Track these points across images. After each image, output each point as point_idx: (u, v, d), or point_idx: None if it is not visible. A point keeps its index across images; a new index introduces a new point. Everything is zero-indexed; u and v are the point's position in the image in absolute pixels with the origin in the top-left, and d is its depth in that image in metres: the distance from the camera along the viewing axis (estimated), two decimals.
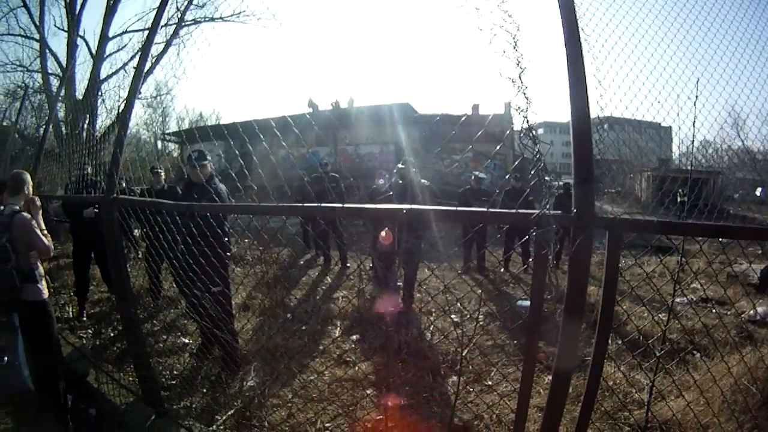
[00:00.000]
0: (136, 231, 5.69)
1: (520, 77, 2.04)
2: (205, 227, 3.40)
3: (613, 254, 1.98)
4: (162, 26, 3.60)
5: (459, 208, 2.07)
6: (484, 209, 1.96)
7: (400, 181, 6.35)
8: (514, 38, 2.11)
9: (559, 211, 1.92)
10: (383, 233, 5.53)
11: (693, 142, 3.91)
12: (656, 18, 3.12)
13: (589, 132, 1.92)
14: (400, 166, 6.53)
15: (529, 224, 1.89)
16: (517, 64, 2.07)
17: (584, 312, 2.05)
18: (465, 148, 19.53)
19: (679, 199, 4.46)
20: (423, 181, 6.44)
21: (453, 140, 19.01)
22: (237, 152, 3.81)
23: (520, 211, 1.95)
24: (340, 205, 2.13)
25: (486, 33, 2.10)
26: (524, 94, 2.02)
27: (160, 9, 3.57)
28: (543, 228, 1.89)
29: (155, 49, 16.33)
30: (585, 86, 1.95)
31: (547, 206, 1.90)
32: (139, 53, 3.58)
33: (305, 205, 2.41)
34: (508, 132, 18.64)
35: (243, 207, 2.91)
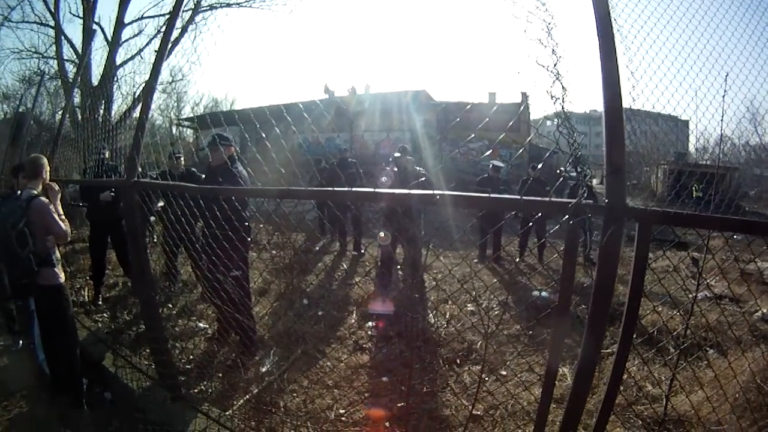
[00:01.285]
0: (151, 217, 5.71)
1: (555, 66, 2.02)
2: (228, 211, 3.40)
3: (642, 246, 1.95)
4: (191, 9, 3.58)
5: (492, 195, 2.04)
6: (518, 197, 1.93)
7: (395, 169, 6.38)
8: (548, 26, 2.10)
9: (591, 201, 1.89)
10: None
11: (721, 137, 3.87)
12: (687, 10, 3.08)
13: (621, 123, 1.92)
14: (396, 154, 6.50)
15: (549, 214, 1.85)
16: (553, 52, 2.05)
17: (611, 304, 2.03)
18: (480, 136, 19.45)
19: (695, 194, 4.41)
20: (419, 168, 6.45)
21: (468, 128, 18.93)
22: (248, 137, 3.79)
23: (554, 199, 1.93)
24: (372, 189, 2.12)
25: (521, 21, 2.09)
26: (560, 82, 1.99)
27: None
28: (577, 217, 1.85)
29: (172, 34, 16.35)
30: (617, 78, 1.94)
31: (584, 195, 1.86)
32: (161, 36, 3.56)
33: (332, 189, 2.38)
34: (517, 120, 18.46)
35: (268, 191, 2.88)
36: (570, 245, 1.97)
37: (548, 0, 2.20)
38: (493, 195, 2.05)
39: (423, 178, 5.80)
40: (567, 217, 1.89)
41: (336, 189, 2.25)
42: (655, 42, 2.92)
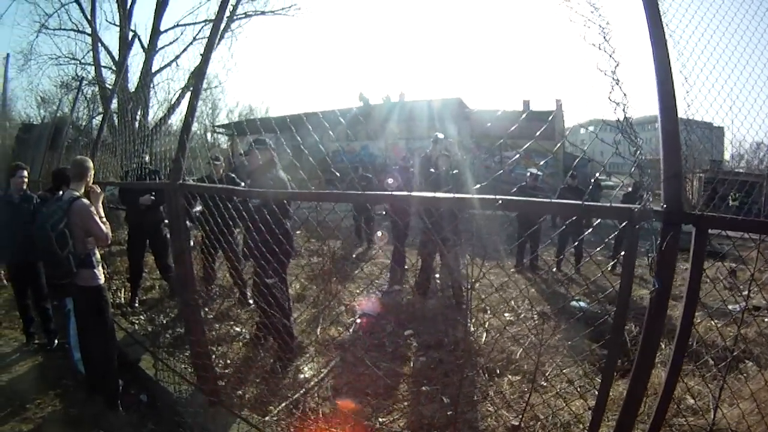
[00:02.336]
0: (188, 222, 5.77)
1: (615, 71, 1.99)
2: (270, 215, 3.39)
3: (699, 253, 1.93)
4: (226, 17, 3.61)
5: (555, 200, 2.00)
6: (580, 202, 1.88)
7: (431, 170, 6.30)
8: (604, 31, 2.08)
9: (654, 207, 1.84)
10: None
11: None
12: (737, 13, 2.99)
13: (676, 129, 1.92)
14: (440, 153, 6.37)
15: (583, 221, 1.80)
16: (611, 57, 2.02)
17: (666, 314, 1.97)
18: (516, 144, 19.33)
19: (731, 203, 4.29)
20: (454, 171, 6.35)
21: (502, 136, 18.79)
22: (284, 143, 3.79)
23: (615, 205, 1.88)
24: (431, 194, 2.09)
25: (578, 25, 2.08)
26: (620, 88, 1.95)
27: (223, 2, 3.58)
28: (639, 223, 1.80)
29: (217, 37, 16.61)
30: (672, 84, 1.96)
31: (649, 201, 1.81)
32: (207, 39, 3.58)
33: (387, 193, 2.34)
34: (551, 128, 18.36)
35: (321, 194, 2.86)
36: (630, 252, 1.91)
37: (602, 5, 2.19)
38: (555, 200, 2.01)
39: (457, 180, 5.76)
40: (626, 223, 1.85)
41: (391, 193, 2.22)
42: (706, 46, 2.84)
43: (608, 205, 1.93)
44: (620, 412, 2.11)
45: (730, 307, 5.93)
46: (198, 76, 3.55)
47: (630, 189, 8.32)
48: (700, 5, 2.74)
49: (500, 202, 1.91)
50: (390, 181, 6.47)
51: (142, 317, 5.94)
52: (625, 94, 1.95)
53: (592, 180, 12.12)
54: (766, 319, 5.72)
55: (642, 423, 2.16)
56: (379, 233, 5.57)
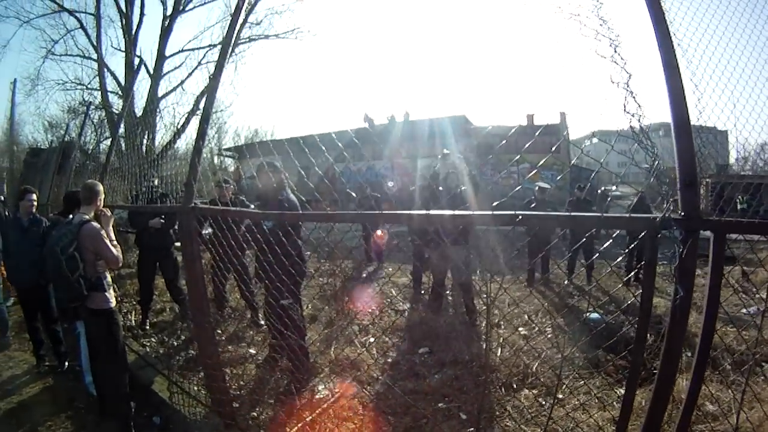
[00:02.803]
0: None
1: (627, 83, 2.00)
2: (285, 237, 3.38)
3: (718, 259, 1.92)
4: (232, 44, 3.63)
5: (573, 213, 2.01)
6: (598, 214, 1.88)
7: (440, 188, 6.29)
8: (614, 44, 2.10)
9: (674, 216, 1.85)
10: (379, 232, 5.48)
11: None
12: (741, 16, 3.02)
13: (690, 137, 1.93)
14: (436, 167, 6.36)
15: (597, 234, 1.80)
16: (623, 69, 2.04)
17: (688, 323, 1.95)
18: (521, 159, 19.37)
19: (739, 206, 4.27)
20: (462, 188, 6.33)
21: (508, 151, 18.82)
22: (297, 164, 3.80)
23: (634, 215, 1.88)
24: (449, 211, 2.08)
25: (588, 39, 2.11)
26: (634, 98, 1.97)
27: (232, 25, 3.62)
28: (660, 232, 1.81)
29: (212, 67, 16.84)
30: (683, 92, 1.96)
31: (670, 209, 1.81)
32: (215, 63, 3.61)
33: (403, 212, 2.34)
34: (563, 141, 18.44)
35: (335, 215, 2.85)
36: (651, 262, 1.91)
37: (611, 18, 2.22)
38: (573, 213, 2.02)
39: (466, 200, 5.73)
40: (645, 233, 1.86)
41: (407, 212, 2.22)
42: (713, 54, 2.86)
43: (627, 215, 1.92)
44: (645, 419, 2.10)
45: (744, 310, 5.91)
46: (208, 100, 3.58)
47: (636, 199, 8.29)
48: (706, 11, 2.77)
49: (519, 217, 1.91)
50: (390, 184, 6.48)
51: (153, 339, 5.94)
52: (639, 105, 1.96)
53: (598, 192, 12.09)
54: None
55: (663, 431, 2.13)
56: (379, 231, 5.54)
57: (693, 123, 2.20)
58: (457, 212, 2.10)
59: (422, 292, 7.53)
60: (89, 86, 19.11)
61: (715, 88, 2.81)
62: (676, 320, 1.91)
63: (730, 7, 2.91)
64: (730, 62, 2.94)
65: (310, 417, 3.78)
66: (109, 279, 3.99)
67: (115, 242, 3.96)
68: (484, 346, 4.76)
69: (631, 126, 2.02)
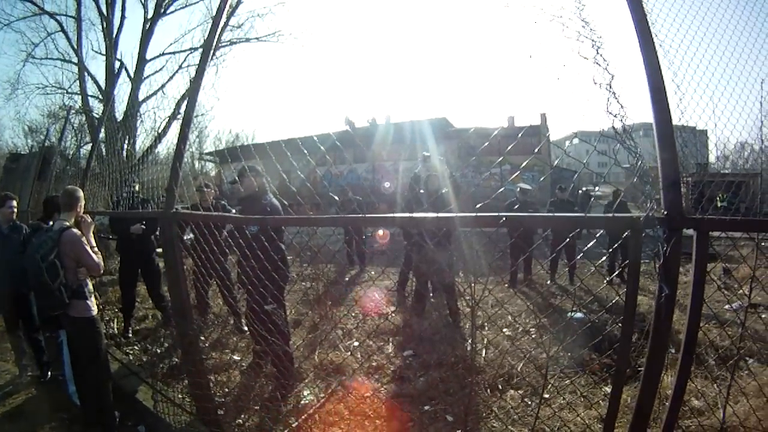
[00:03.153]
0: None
1: (610, 84, 2.02)
2: (269, 242, 3.35)
3: (702, 256, 1.96)
4: (213, 46, 3.60)
5: (556, 214, 2.01)
6: (582, 214, 1.89)
7: (421, 191, 6.28)
8: (596, 45, 2.12)
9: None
10: (380, 232, 5.47)
11: (761, 144, 3.81)
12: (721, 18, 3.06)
13: (672, 136, 1.96)
14: (416, 171, 6.39)
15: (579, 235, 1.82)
16: (605, 70, 2.05)
17: (671, 327, 1.99)
18: (501, 160, 19.49)
19: (719, 204, 4.33)
20: (444, 190, 6.33)
21: (488, 153, 18.95)
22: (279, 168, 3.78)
23: (617, 215, 1.89)
24: (434, 214, 2.08)
25: (570, 41, 2.13)
26: (617, 99, 1.98)
27: (214, 27, 3.59)
28: (644, 231, 1.84)
29: (193, 70, 16.72)
30: (665, 92, 2.00)
31: (653, 208, 1.83)
32: (197, 68, 3.56)
33: (387, 215, 2.32)
34: (545, 142, 18.61)
35: (318, 219, 2.83)
36: (635, 260, 1.92)
37: (593, 20, 2.24)
38: (557, 214, 2.03)
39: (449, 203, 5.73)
40: (629, 231, 1.88)
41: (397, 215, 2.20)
42: (695, 55, 2.90)
43: (611, 215, 1.94)
44: (633, 416, 2.11)
45: (726, 306, 6.00)
46: (189, 103, 3.54)
47: (611, 198, 8.39)
48: (687, 13, 2.81)
49: (504, 219, 1.91)
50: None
51: (136, 347, 5.86)
52: (622, 106, 1.98)
53: (579, 192, 12.18)
54: (763, 316, 5.82)
55: (650, 427, 2.14)
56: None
57: (677, 123, 2.22)
58: (441, 214, 2.09)
59: (405, 295, 7.52)
60: (69, 90, 18.97)
61: (696, 88, 2.85)
62: (661, 317, 1.93)
63: (711, 9, 2.96)
64: (711, 63, 2.98)
65: (296, 423, 3.76)
66: (90, 286, 3.93)
67: (95, 249, 3.90)
68: (470, 347, 4.77)
69: (613, 126, 2.03)
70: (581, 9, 2.28)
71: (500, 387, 4.38)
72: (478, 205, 2.03)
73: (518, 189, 8.96)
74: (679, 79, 2.68)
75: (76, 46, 18.27)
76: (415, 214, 2.18)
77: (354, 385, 4.42)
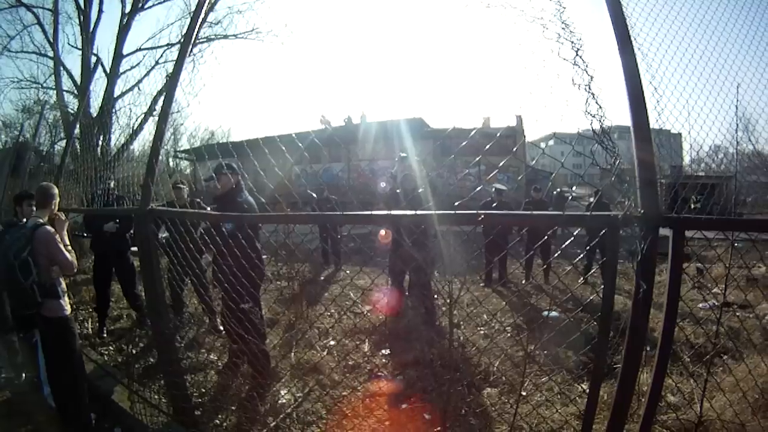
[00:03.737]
0: None
1: (589, 84, 2.05)
2: (246, 240, 3.32)
3: (678, 254, 1.99)
4: (192, 42, 3.56)
5: (535, 212, 2.04)
6: (560, 212, 1.90)
7: (397, 191, 6.35)
8: (576, 47, 2.15)
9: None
10: (382, 232, 5.47)
11: (736, 149, 3.89)
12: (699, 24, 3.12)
13: (649, 137, 2.00)
14: (392, 170, 6.44)
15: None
16: (585, 71, 2.08)
17: (648, 322, 2.02)
18: (478, 160, 19.57)
19: (692, 206, 4.41)
20: (420, 190, 6.35)
21: (464, 153, 19.08)
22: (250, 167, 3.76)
23: (595, 213, 1.92)
24: (413, 211, 2.08)
25: (552, 42, 2.16)
26: (596, 100, 2.01)
27: (194, 19, 3.55)
28: (622, 228, 1.90)
29: (169, 66, 16.51)
30: (642, 94, 2.04)
31: (631, 207, 1.86)
32: (175, 62, 3.52)
33: (365, 213, 2.31)
34: (522, 144, 18.85)
35: (296, 217, 2.82)
36: (612, 258, 1.98)
37: (573, 22, 2.27)
38: (536, 212, 2.05)
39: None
40: (606, 230, 1.93)
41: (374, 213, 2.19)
42: (672, 59, 2.95)
43: (589, 213, 1.97)
44: (611, 411, 2.14)
45: (701, 305, 6.13)
46: (166, 99, 3.49)
47: (592, 199, 8.47)
48: (665, 19, 2.86)
49: (482, 216, 1.92)
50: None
51: (111, 348, 5.76)
52: (600, 107, 2.00)
53: (554, 193, 12.31)
54: (737, 314, 5.96)
55: (627, 422, 2.18)
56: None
57: (654, 125, 2.26)
58: (419, 212, 2.09)
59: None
60: (44, 85, 18.55)
61: (674, 90, 2.90)
62: (639, 313, 1.96)
63: (690, 15, 3.02)
64: (688, 67, 3.04)
65: (274, 422, 3.74)
66: (63, 286, 3.86)
67: (69, 247, 3.83)
68: (448, 345, 4.79)
69: (592, 127, 2.06)
70: (562, 11, 2.31)
71: (477, 385, 4.40)
72: (456, 203, 2.03)
73: (494, 189, 9.03)
74: (656, 81, 2.74)
75: (52, 40, 17.86)
76: (392, 212, 2.18)
77: (331, 384, 4.41)
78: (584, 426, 2.20)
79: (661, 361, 2.09)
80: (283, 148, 2.94)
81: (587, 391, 2.29)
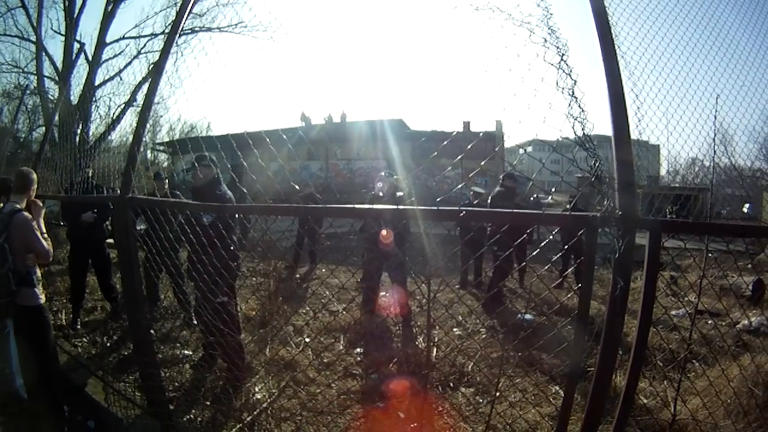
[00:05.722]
0: None
1: (572, 89, 2.08)
2: (226, 231, 3.31)
3: (654, 256, 2.02)
4: (178, 32, 3.53)
5: (514, 210, 2.06)
6: (540, 211, 1.94)
7: (381, 194, 6.34)
8: (561, 52, 2.18)
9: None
10: (384, 232, 5.47)
11: (713, 160, 3.97)
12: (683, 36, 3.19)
13: (629, 141, 2.03)
14: (379, 184, 6.44)
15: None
16: (569, 76, 2.11)
17: (624, 319, 2.04)
18: (455, 164, 19.69)
19: (668, 215, 4.49)
20: (399, 194, 6.40)
21: (443, 156, 19.18)
22: (228, 164, 3.75)
23: (574, 213, 1.95)
24: (395, 206, 2.09)
25: (538, 47, 2.20)
26: (578, 104, 2.05)
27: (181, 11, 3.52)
28: (600, 228, 1.94)
29: (152, 57, 16.34)
30: (623, 99, 2.08)
31: (610, 207, 1.89)
32: (160, 51, 3.48)
33: (348, 206, 2.32)
34: (501, 148, 19.00)
35: (279, 208, 2.81)
36: (590, 257, 2.01)
37: (559, 28, 2.31)
38: (516, 210, 2.08)
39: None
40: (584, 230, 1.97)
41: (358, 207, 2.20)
42: (654, 68, 3.02)
43: (569, 213, 2.00)
44: (586, 412, 2.17)
45: (673, 312, 6.24)
46: (150, 87, 3.45)
47: (569, 206, 8.54)
48: (650, 29, 2.93)
49: (463, 213, 1.94)
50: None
51: (84, 339, 5.67)
52: (582, 110, 2.03)
53: (531, 199, 12.42)
54: (709, 321, 6.08)
55: (602, 422, 2.21)
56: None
57: (634, 130, 2.30)
58: (401, 206, 2.10)
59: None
60: (25, 69, 18.23)
61: (654, 98, 2.97)
62: (615, 310, 1.98)
63: (673, 27, 3.08)
64: (668, 78, 3.11)
65: (249, 417, 3.72)
66: (39, 274, 3.79)
67: (45, 234, 3.77)
68: (425, 344, 4.81)
69: (574, 130, 2.09)
70: (549, 17, 2.34)
71: (451, 385, 4.44)
72: (438, 199, 2.05)
73: (471, 192, 9.09)
74: (638, 89, 2.80)
75: (35, 24, 17.60)
76: (374, 206, 2.19)
77: (306, 381, 4.40)
78: (559, 426, 2.22)
79: (636, 361, 2.12)
80: (268, 139, 2.94)
81: (562, 392, 2.31)
